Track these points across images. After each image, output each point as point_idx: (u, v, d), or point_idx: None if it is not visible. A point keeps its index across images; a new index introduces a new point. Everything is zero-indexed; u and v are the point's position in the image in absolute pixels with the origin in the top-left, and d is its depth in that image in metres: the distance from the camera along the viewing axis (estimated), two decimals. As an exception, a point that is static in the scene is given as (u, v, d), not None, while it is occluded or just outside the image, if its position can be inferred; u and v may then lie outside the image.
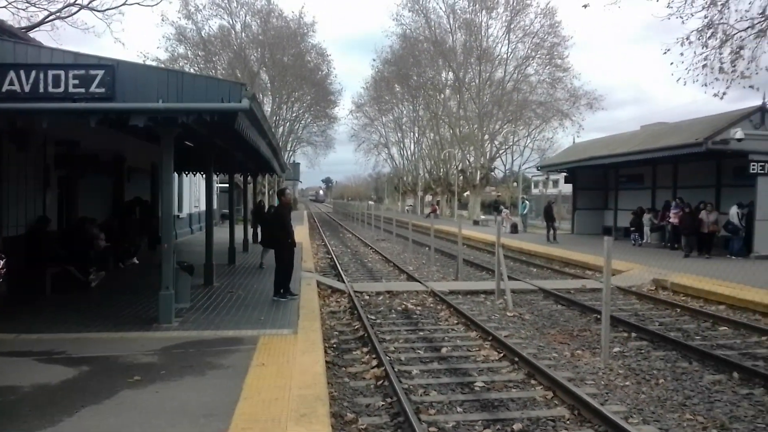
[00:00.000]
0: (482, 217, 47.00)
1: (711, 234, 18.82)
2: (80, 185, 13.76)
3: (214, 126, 8.97)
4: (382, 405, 6.33)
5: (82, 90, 7.66)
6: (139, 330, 8.27)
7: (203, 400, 5.47)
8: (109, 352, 7.10)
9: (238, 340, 7.79)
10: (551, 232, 25.25)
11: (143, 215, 17.26)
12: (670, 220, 20.77)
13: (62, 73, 7.65)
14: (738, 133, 17.27)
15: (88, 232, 12.66)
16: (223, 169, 19.40)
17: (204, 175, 19.30)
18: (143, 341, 7.67)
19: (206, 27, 48.00)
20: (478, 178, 49.04)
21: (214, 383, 5.99)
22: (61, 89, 7.64)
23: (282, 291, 10.84)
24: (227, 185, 20.36)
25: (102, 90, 7.69)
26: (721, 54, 14.05)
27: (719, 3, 13.64)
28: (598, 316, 9.58)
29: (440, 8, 49.60)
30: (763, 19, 13.51)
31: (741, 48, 13.81)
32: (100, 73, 7.71)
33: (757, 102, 18.86)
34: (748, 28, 13.68)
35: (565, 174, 30.15)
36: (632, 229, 23.36)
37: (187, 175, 23.48)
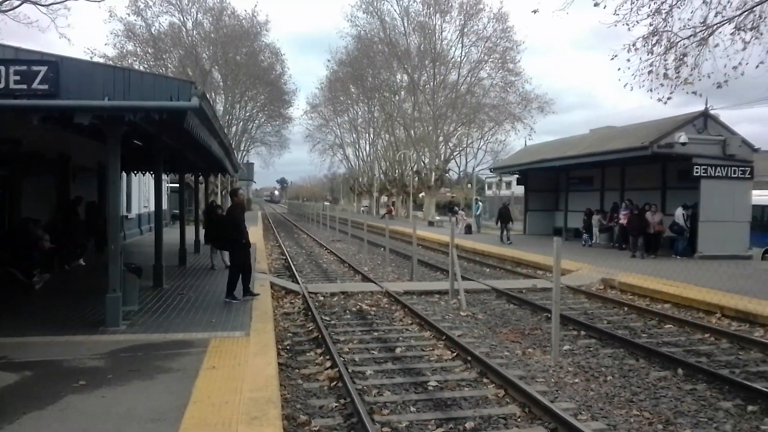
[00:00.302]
0: (437, 218, 47.34)
1: (657, 234, 19.33)
2: (23, 185, 13.26)
3: (163, 125, 8.78)
4: (336, 406, 6.30)
5: (24, 86, 7.41)
6: (85, 333, 8.02)
7: (151, 404, 5.33)
8: (54, 357, 6.87)
9: (188, 343, 7.64)
10: (505, 233, 25.50)
11: (90, 216, 16.75)
12: (620, 221, 21.31)
13: (2, 68, 7.39)
14: (682, 137, 17.86)
15: (32, 233, 12.20)
16: (174, 168, 19.03)
17: (153, 175, 18.86)
18: (89, 345, 7.44)
19: (156, 24, 46.99)
20: (432, 180, 49.41)
21: (163, 387, 5.85)
22: (2, 85, 7.39)
23: (238, 292, 10.68)
24: (178, 185, 19.95)
25: (45, 87, 7.46)
26: (665, 61, 14.48)
27: (663, 12, 14.06)
28: (549, 315, 9.75)
29: (395, 10, 49.83)
30: (704, 27, 13.99)
31: (684, 55, 14.26)
32: (43, 69, 7.47)
33: (700, 107, 19.56)
34: (690, 36, 14.14)
35: (517, 176, 30.63)
36: (583, 230, 23.95)
37: (135, 174, 22.92)
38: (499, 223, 26.16)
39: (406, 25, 49.79)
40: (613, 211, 23.11)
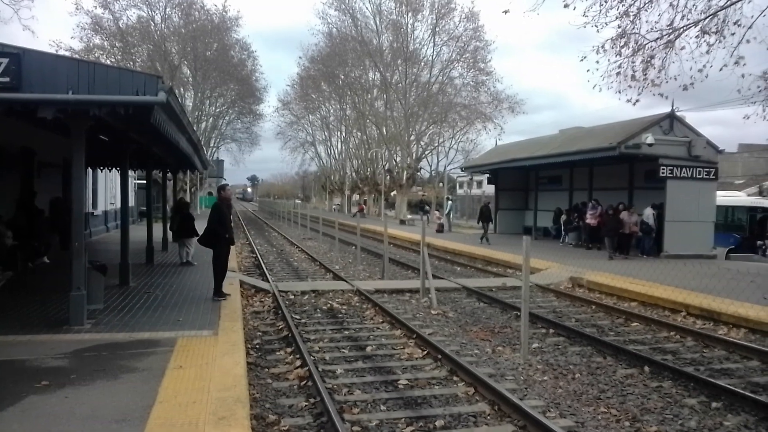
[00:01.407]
0: (409, 216, 47.47)
1: (630, 234, 19.37)
2: (-17, 180, 12.89)
3: (129, 120, 8.60)
4: (305, 405, 6.24)
5: (-16, 78, 7.18)
6: (48, 332, 7.83)
7: (116, 404, 5.22)
8: (15, 356, 6.69)
9: (154, 342, 7.50)
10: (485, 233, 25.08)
11: (54, 212, 16.36)
12: (587, 221, 21.56)
13: (-39, 59, 7.15)
14: (649, 138, 18.18)
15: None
16: (141, 164, 18.66)
17: (120, 171, 18.52)
18: (52, 344, 7.26)
19: (124, 17, 45.98)
20: (404, 178, 49.48)
21: (128, 387, 5.73)
22: (-40, 77, 7.14)
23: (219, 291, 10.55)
24: (145, 181, 19.60)
25: (6, 79, 7.26)
26: (633, 63, 14.69)
27: (631, 14, 14.27)
28: (518, 313, 9.81)
29: (366, 8, 49.71)
30: (671, 30, 14.24)
31: (652, 57, 14.49)
32: (5, 61, 7.27)
33: (666, 109, 19.92)
34: (657, 38, 14.38)
35: (488, 175, 30.85)
36: (553, 228, 24.26)
37: (102, 170, 22.45)
38: (480, 223, 25.80)
39: (378, 23, 49.80)
40: (574, 210, 23.49)
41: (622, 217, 19.18)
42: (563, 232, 24.07)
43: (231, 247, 11.32)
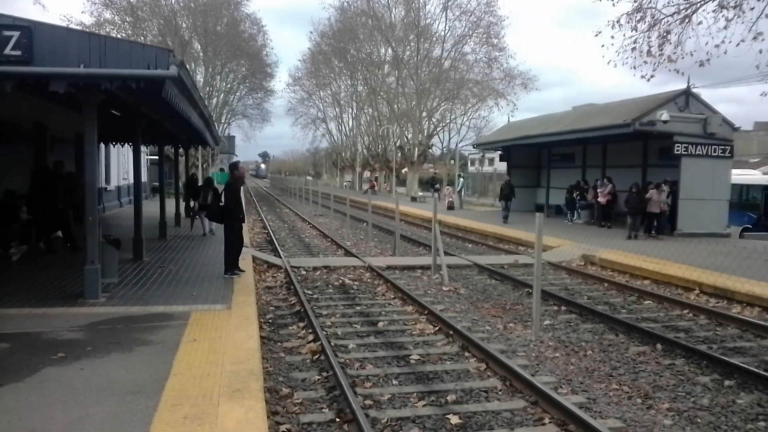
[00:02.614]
0: (420, 193, 47.36)
1: (661, 214, 18.29)
2: (-2, 155, 12.95)
3: (141, 94, 8.59)
4: (318, 379, 6.29)
5: (-4, 52, 7.15)
6: (63, 306, 7.92)
7: (131, 376, 5.28)
8: (31, 329, 6.77)
9: (168, 315, 7.56)
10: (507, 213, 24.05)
11: (68, 187, 16.42)
12: (598, 199, 21.39)
13: (-28, 33, 7.12)
14: (664, 115, 17.91)
15: (10, 205, 11.95)
16: (153, 140, 18.69)
17: (132, 147, 18.58)
18: (68, 317, 7.35)
19: (135, -9, 45.78)
20: (416, 155, 49.25)
21: (143, 360, 5.79)
22: (-28, 51, 7.12)
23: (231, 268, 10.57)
24: (157, 157, 19.66)
25: (18, 53, 7.21)
26: (649, 38, 14.46)
27: (648, -14, 14.00)
28: (530, 290, 9.81)
29: (378, -18, 49.05)
30: (687, 5, 13.96)
31: (668, 32, 14.24)
32: (16, 34, 7.22)
33: (679, 86, 19.61)
34: (674, 13, 14.12)
35: (500, 152, 30.62)
36: (565, 207, 24.13)
37: (114, 146, 22.53)
38: (502, 202, 24.43)
39: (390, -3, 49.10)
40: (576, 188, 23.52)
41: (650, 195, 18.04)
42: (566, 210, 23.91)
43: (243, 223, 11.34)
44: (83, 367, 5.53)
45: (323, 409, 5.52)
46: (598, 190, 21.27)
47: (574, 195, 23.57)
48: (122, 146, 22.99)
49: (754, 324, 8.63)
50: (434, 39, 48.94)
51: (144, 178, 27.47)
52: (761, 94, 14.03)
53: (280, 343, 7.59)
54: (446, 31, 48.21)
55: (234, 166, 11.40)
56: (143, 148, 27.35)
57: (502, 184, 25.67)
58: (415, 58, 48.90)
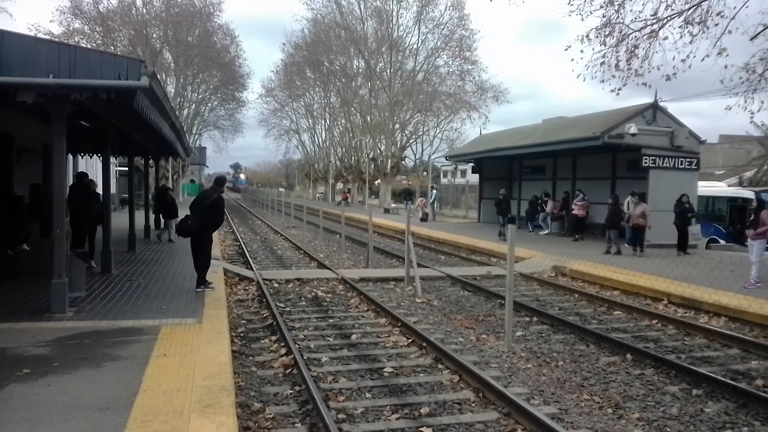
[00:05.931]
0: (393, 205, 47.46)
1: (639, 228, 17.01)
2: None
3: (111, 105, 8.48)
4: (291, 393, 6.23)
5: (-39, 61, 7.01)
6: (29, 320, 7.72)
7: (99, 393, 5.16)
8: (-6, 345, 6.59)
9: (137, 330, 7.43)
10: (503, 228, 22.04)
11: (34, 199, 16.12)
12: (573, 212, 21.61)
13: (-64, 41, 6.98)
14: (632, 128, 18.25)
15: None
16: (123, 151, 18.41)
17: (101, 158, 18.30)
18: (34, 332, 7.17)
19: (104, 1, 45.31)
20: (389, 167, 49.42)
21: (112, 375, 5.67)
22: (-65, 59, 6.97)
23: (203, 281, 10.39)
24: (127, 168, 19.38)
25: (-16, 62, 7.08)
26: (617, 52, 14.79)
27: (616, 3, 14.33)
28: (502, 302, 9.86)
29: (351, -6, 49.32)
30: (655, 20, 14.32)
31: (636, 47, 14.58)
32: (-18, 43, 7.09)
33: (645, 100, 20.02)
34: (642, 28, 14.47)
35: (472, 164, 30.85)
36: (529, 217, 24.67)
37: (83, 157, 22.14)
38: (499, 217, 22.25)
39: (362, 10, 49.53)
40: (536, 201, 24.22)
41: (625, 209, 17.48)
42: (526, 221, 24.59)
43: (213, 235, 11.17)
44: (50, 384, 5.40)
45: (296, 424, 5.47)
46: (574, 203, 21.52)
47: (537, 207, 24.15)
48: (90, 157, 22.60)
49: (720, 333, 8.80)
50: (407, 51, 49.40)
51: (113, 189, 27.05)
52: (726, 108, 14.39)
53: (252, 357, 7.50)
54: (419, 44, 48.79)
55: (222, 181, 11.08)
56: (112, 159, 26.95)
57: (496, 198, 23.18)
58: (388, 71, 49.23)
